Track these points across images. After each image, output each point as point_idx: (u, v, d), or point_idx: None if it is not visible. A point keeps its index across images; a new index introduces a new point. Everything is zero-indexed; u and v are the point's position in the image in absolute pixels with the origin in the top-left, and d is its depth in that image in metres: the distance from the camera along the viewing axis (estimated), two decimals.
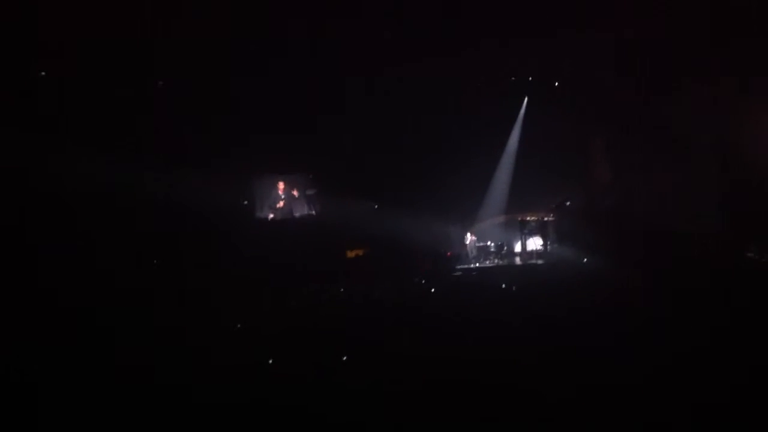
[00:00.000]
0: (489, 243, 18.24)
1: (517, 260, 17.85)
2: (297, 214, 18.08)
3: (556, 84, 17.86)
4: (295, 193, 18.18)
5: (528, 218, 18.15)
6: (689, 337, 8.53)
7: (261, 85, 16.64)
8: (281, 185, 18.16)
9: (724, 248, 14.43)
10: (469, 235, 18.28)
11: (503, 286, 14.88)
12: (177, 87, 16.36)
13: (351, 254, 16.79)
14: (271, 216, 17.92)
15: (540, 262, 17.25)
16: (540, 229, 17.91)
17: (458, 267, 17.18)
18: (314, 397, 7.80)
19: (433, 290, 14.72)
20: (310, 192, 17.93)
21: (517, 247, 18.21)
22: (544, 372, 7.78)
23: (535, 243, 17.89)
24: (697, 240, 14.53)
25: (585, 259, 15.99)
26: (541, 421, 6.72)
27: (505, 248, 18.09)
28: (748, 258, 14.48)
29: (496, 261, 17.87)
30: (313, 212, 17.94)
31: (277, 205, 18.00)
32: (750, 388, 6.78)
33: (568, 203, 17.74)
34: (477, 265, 17.62)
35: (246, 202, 17.80)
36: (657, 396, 6.93)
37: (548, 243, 17.62)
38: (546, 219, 17.89)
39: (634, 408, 6.74)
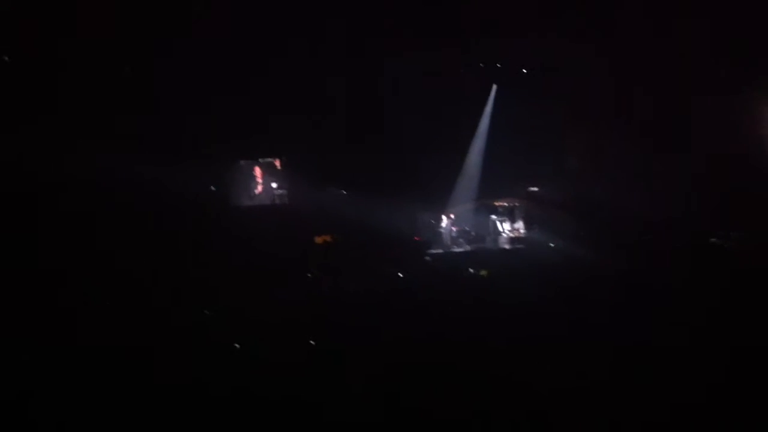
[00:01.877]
0: (458, 228, 18.26)
1: (488, 245, 17.91)
2: (274, 202, 18.06)
3: (525, 71, 17.87)
4: (272, 179, 18.15)
5: (497, 203, 18.23)
6: (656, 322, 8.61)
7: (231, 71, 16.49)
8: (258, 171, 18.05)
9: (691, 234, 14.59)
10: (444, 218, 18.26)
11: (471, 270, 14.97)
12: (146, 73, 16.14)
13: (319, 240, 16.72)
14: (249, 203, 17.84)
15: (508, 247, 17.34)
16: (509, 215, 18.01)
17: (429, 252, 17.17)
18: (290, 385, 7.76)
19: (400, 275, 14.74)
20: (273, 184, 17.89)
21: (487, 232, 18.28)
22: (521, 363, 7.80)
23: (504, 228, 17.96)
24: (665, 226, 14.67)
25: (552, 245, 16.10)
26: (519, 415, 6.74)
27: (473, 233, 18.13)
28: (712, 243, 14.65)
29: (466, 246, 17.90)
30: (278, 201, 17.88)
31: (256, 191, 17.91)
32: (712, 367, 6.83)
33: (537, 189, 17.81)
34: (448, 250, 17.64)
35: (214, 188, 17.62)
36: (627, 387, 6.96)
37: (517, 228, 17.72)
38: (517, 204, 17.98)
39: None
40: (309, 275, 14.16)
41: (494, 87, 18.60)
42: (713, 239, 14.65)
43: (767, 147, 15.75)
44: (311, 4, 15.39)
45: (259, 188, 17.87)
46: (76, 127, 14.69)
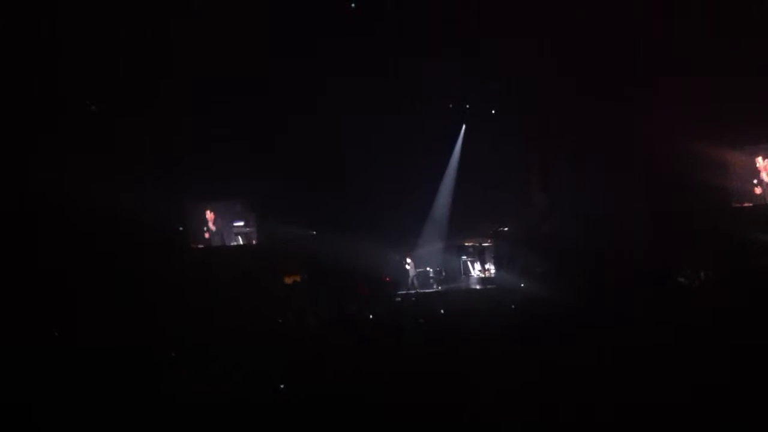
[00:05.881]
0: (428, 269, 18.22)
1: (457, 285, 17.87)
2: (231, 243, 17.89)
3: (493, 112, 18.09)
4: (229, 221, 18.01)
5: (467, 244, 18.27)
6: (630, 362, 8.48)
7: (196, 106, 16.45)
8: (210, 215, 17.89)
9: (657, 273, 14.65)
10: (408, 260, 18.23)
11: (442, 311, 14.85)
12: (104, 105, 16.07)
13: (289, 281, 16.58)
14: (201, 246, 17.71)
15: (478, 287, 17.31)
16: (479, 255, 18.03)
17: (399, 293, 17.06)
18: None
19: (371, 317, 14.57)
20: (237, 224, 17.78)
21: (457, 273, 18.26)
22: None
23: (474, 268, 17.97)
24: (633, 264, 14.73)
25: (522, 284, 16.08)
26: None
27: (444, 274, 18.11)
28: (679, 283, 14.72)
29: (435, 287, 17.84)
30: (243, 242, 17.75)
31: (204, 236, 17.76)
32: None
33: (506, 229, 17.87)
34: (416, 291, 17.56)
35: (181, 229, 17.48)
36: None
37: (487, 268, 17.72)
38: (485, 244, 18.01)
39: None
40: (279, 319, 13.89)
41: (463, 127, 18.84)
42: (681, 279, 14.72)
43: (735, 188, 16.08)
44: (279, 45, 15.50)
45: (207, 234, 17.76)
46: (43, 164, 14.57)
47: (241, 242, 17.97)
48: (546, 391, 6.90)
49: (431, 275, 18.12)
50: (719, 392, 6.11)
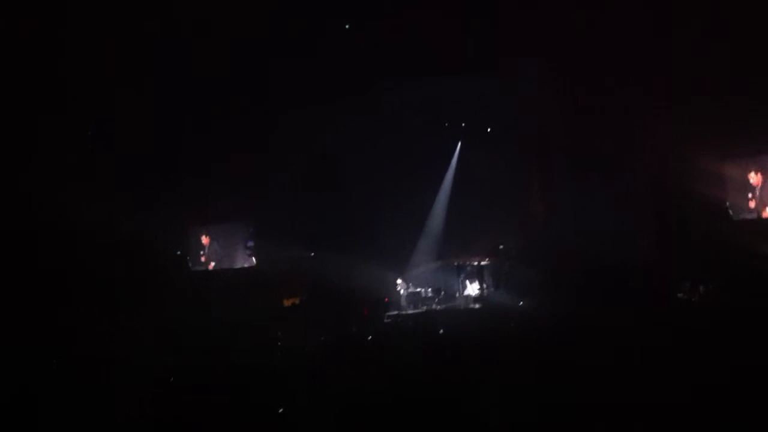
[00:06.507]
0: (425, 288, 18.10)
1: (456, 305, 17.76)
2: (244, 265, 17.84)
3: (489, 129, 18.11)
4: (230, 243, 17.93)
5: (464, 262, 18.18)
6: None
7: (202, 130, 16.54)
8: (205, 239, 17.85)
9: (657, 287, 14.56)
10: (399, 281, 18.14)
11: (441, 331, 14.76)
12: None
13: (288, 303, 16.50)
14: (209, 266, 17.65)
15: (477, 306, 17.20)
16: (477, 273, 17.93)
17: (388, 314, 16.92)
18: None
19: (369, 338, 14.48)
20: (249, 244, 17.72)
21: (455, 292, 18.16)
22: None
23: (471, 287, 17.86)
24: (632, 279, 14.66)
25: (521, 303, 16.00)
26: None
27: (443, 293, 17.99)
28: (679, 298, 14.61)
29: (433, 306, 17.71)
30: (254, 262, 17.70)
31: (201, 259, 17.71)
32: None
33: (502, 246, 17.79)
34: (410, 311, 17.43)
35: (179, 252, 17.45)
36: None
37: (485, 287, 17.62)
38: (482, 263, 17.93)
39: None
40: (279, 343, 13.79)
41: (459, 144, 18.86)
42: (680, 294, 14.62)
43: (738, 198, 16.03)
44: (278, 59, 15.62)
45: (203, 258, 17.70)
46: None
47: (254, 262, 17.91)
48: (545, 391, 6.85)
49: (429, 294, 17.98)
50: (719, 392, 6.05)
